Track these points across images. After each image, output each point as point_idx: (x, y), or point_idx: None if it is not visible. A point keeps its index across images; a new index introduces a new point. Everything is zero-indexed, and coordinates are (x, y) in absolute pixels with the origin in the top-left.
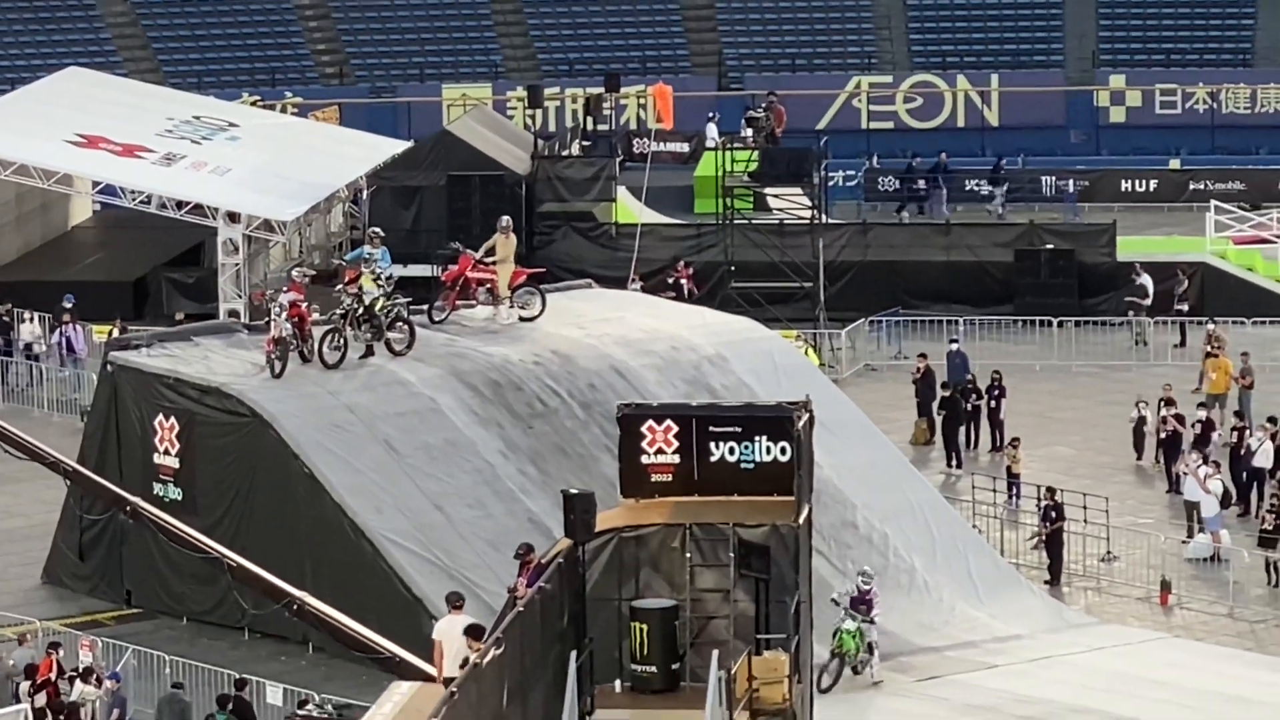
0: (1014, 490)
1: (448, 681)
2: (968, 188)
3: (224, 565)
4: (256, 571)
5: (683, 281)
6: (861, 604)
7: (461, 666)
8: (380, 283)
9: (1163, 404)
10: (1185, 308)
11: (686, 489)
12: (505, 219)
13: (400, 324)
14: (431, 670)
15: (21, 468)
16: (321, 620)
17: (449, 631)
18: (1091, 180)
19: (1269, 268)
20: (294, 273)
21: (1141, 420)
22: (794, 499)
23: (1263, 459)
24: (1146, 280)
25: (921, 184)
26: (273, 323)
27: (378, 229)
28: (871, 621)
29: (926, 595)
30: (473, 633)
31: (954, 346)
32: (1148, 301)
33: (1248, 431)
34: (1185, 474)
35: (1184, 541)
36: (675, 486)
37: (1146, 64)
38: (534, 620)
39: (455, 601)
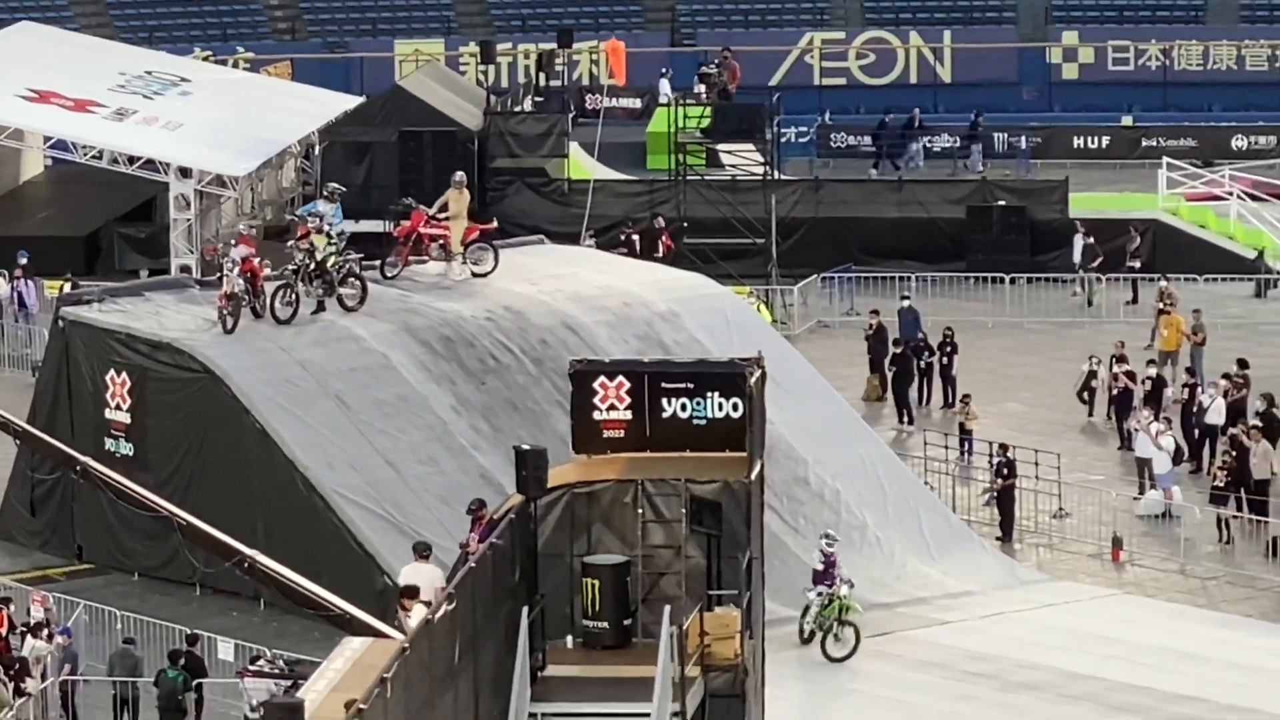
0: (965, 446)
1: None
2: (940, 146)
3: (173, 523)
4: (206, 529)
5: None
6: (828, 569)
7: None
8: (331, 238)
9: (1114, 361)
10: (1137, 264)
11: (638, 445)
12: (459, 174)
13: (352, 279)
14: (381, 626)
15: None
16: (271, 578)
17: (413, 580)
18: (1044, 137)
19: (1221, 224)
20: (242, 226)
21: (1091, 376)
22: (746, 455)
23: (1214, 416)
24: (1076, 240)
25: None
26: (225, 278)
27: (335, 184)
28: (850, 584)
29: (878, 551)
30: (409, 593)
31: (905, 303)
32: (1096, 261)
33: (1199, 388)
34: (1137, 430)
35: (1136, 498)
36: (627, 442)
37: (1099, 20)
38: (485, 576)
39: (422, 551)
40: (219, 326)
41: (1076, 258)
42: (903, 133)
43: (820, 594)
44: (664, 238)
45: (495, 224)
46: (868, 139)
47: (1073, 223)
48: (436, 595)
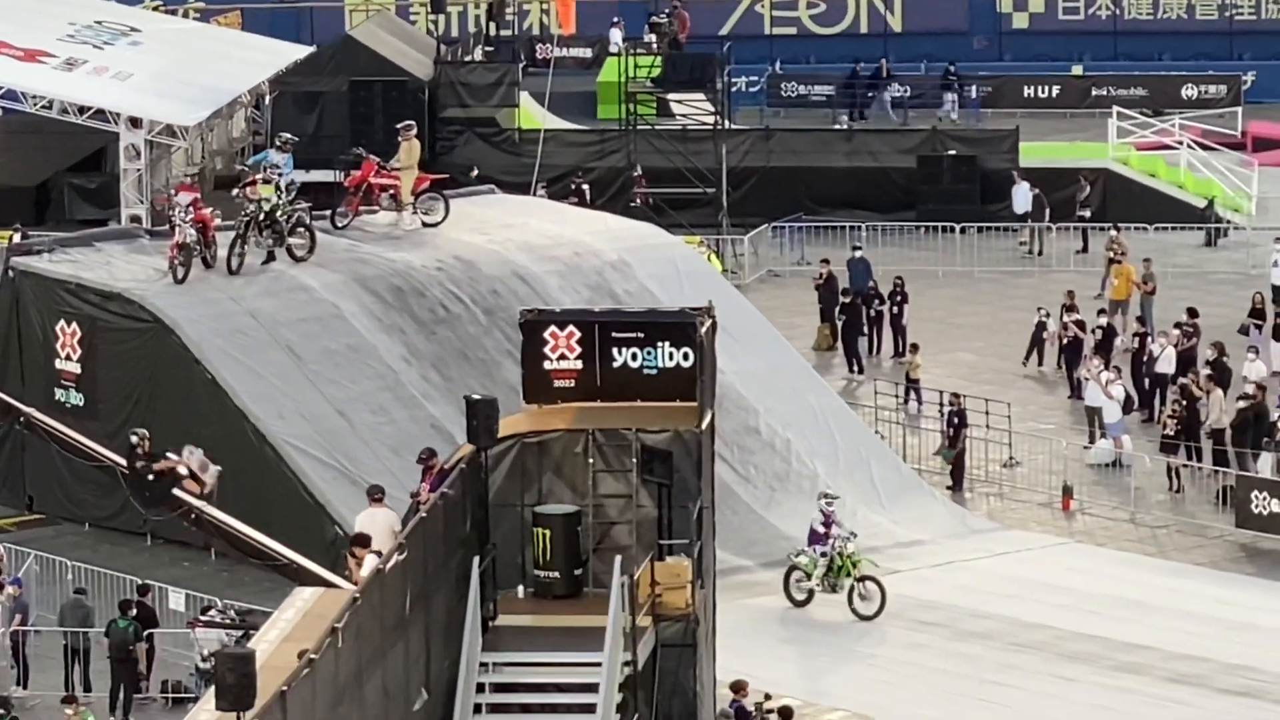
0: (911, 395)
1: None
2: (894, 96)
3: (119, 474)
4: (152, 481)
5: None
6: (827, 530)
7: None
8: (280, 188)
9: (1064, 310)
10: (1088, 214)
11: (589, 395)
12: (408, 122)
13: (301, 229)
14: (329, 576)
15: None
16: (218, 528)
17: (369, 525)
18: (994, 86)
19: (1171, 173)
20: (184, 174)
21: (1041, 326)
22: (697, 405)
23: (1165, 365)
24: (1020, 191)
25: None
26: (177, 228)
27: (287, 134)
28: (851, 536)
29: None
30: (360, 541)
31: (857, 254)
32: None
33: (1150, 337)
34: (1087, 379)
35: (1086, 447)
36: (578, 392)
37: None
38: (437, 526)
39: (375, 495)
40: (169, 277)
41: (1019, 208)
42: (871, 80)
43: (812, 554)
44: (640, 184)
45: (446, 174)
46: (819, 88)
47: (1012, 173)
48: (393, 539)
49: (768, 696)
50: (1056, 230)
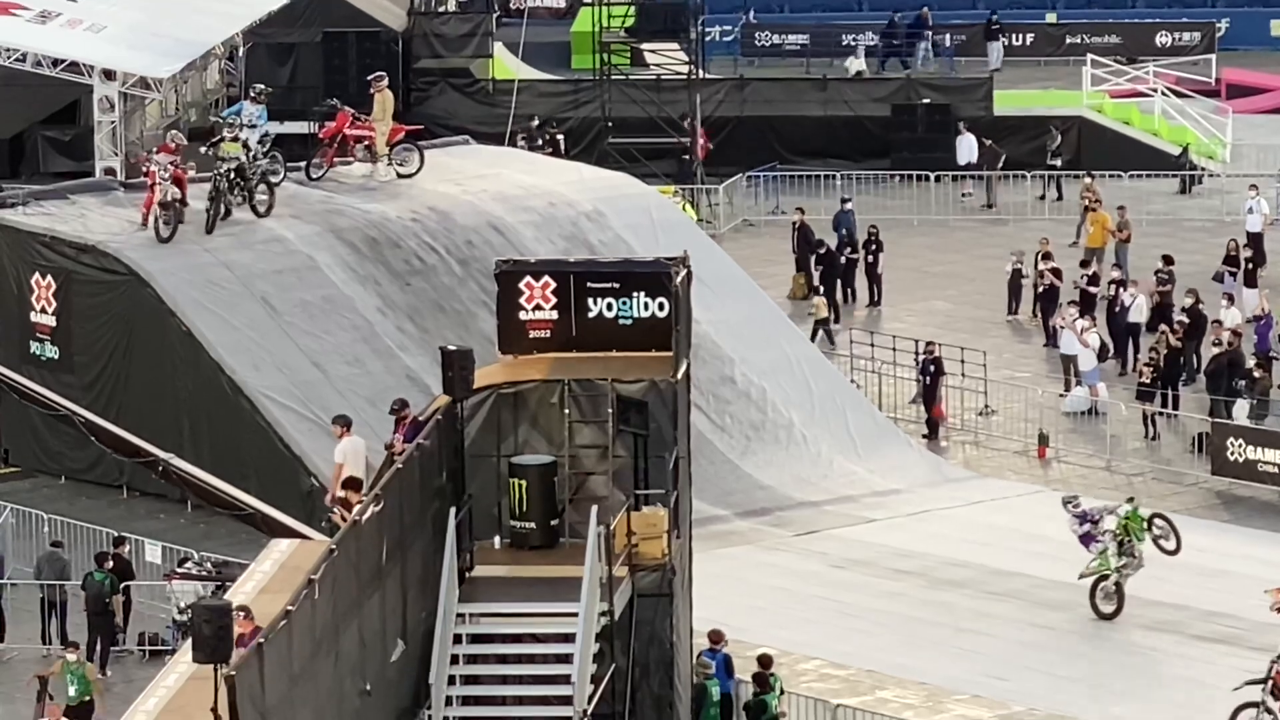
0: (820, 335)
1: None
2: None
3: (82, 427)
4: (120, 434)
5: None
6: (1091, 524)
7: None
8: (246, 146)
9: (1040, 258)
10: (1059, 162)
11: (564, 345)
12: (379, 74)
13: (263, 186)
14: (302, 529)
15: None
16: (187, 481)
17: (344, 451)
18: (968, 35)
19: (1145, 121)
20: (170, 135)
21: (1017, 274)
22: (672, 354)
23: (1136, 314)
24: (966, 141)
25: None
26: (157, 186)
27: (262, 85)
28: (1112, 510)
29: (804, 450)
30: (351, 485)
31: (846, 205)
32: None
33: (1125, 285)
34: (1062, 328)
35: (1061, 395)
36: (553, 343)
37: None
38: (413, 477)
39: (344, 423)
40: (151, 232)
41: (962, 159)
42: (910, 30)
43: (1100, 554)
44: (702, 139)
45: (420, 125)
46: (793, 37)
47: (958, 124)
48: (365, 459)
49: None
50: (1030, 178)
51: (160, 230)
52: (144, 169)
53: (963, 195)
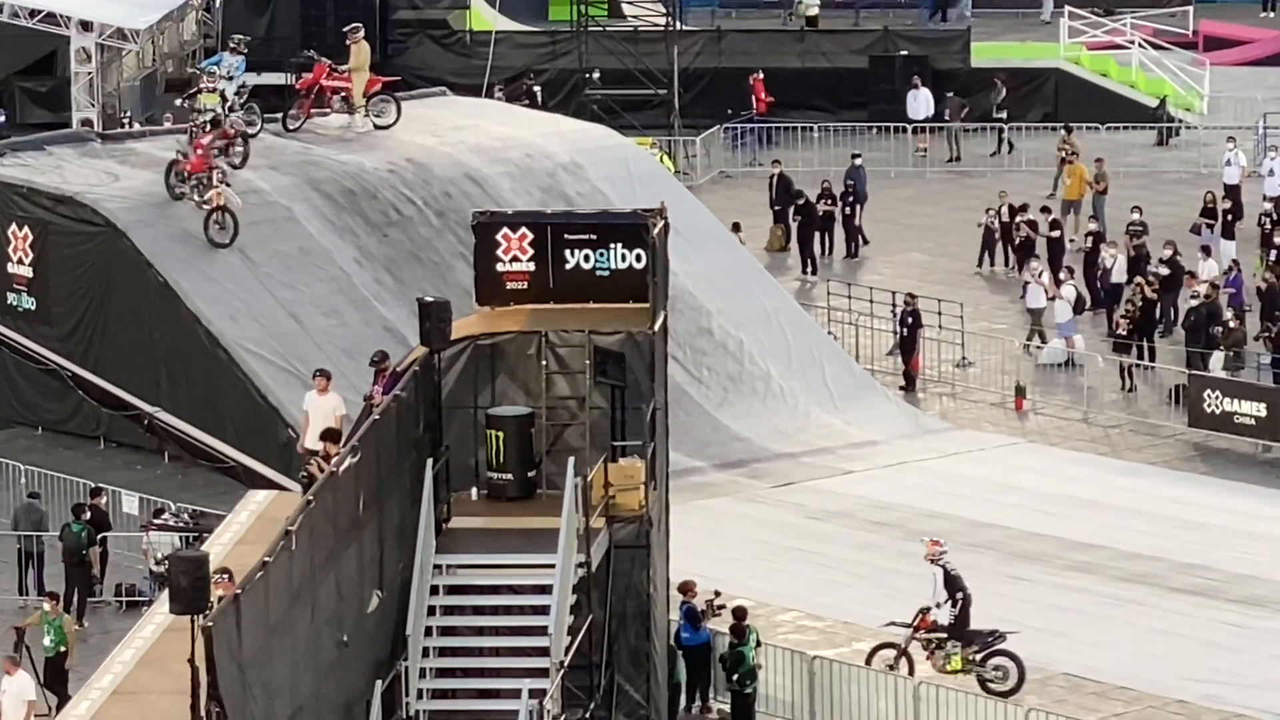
0: None
1: (310, 452)
2: None
3: (70, 381)
4: (107, 388)
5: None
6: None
7: (323, 437)
8: (223, 97)
9: (1018, 210)
10: (1004, 115)
11: (542, 296)
12: (354, 25)
13: (239, 138)
14: (281, 480)
15: None
16: (172, 434)
17: (313, 404)
18: None
19: (1122, 73)
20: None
21: (989, 228)
22: (649, 306)
23: (1118, 275)
24: (921, 95)
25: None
26: (216, 188)
27: (240, 35)
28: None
29: (782, 402)
30: (330, 437)
31: (856, 161)
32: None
33: (1103, 237)
34: (1030, 282)
35: (1026, 346)
36: (531, 294)
37: None
38: (390, 428)
39: (325, 375)
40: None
41: (916, 114)
42: None
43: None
44: (759, 91)
45: (398, 76)
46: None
47: (914, 78)
48: (338, 422)
49: (717, 594)
50: (989, 131)
51: (215, 236)
52: (192, 136)
53: (917, 150)
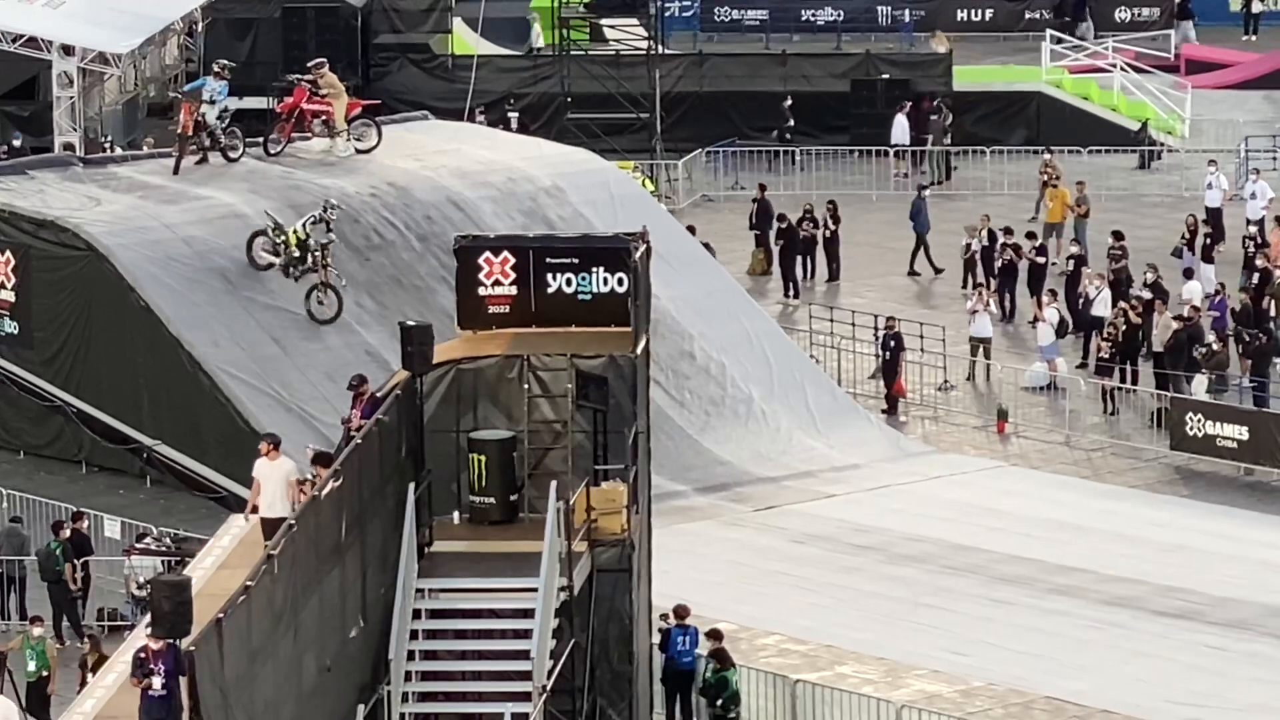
0: None
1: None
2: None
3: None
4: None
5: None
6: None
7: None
8: (206, 119)
9: (999, 233)
10: (947, 140)
11: (524, 320)
12: (317, 60)
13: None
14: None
15: None
16: (171, 468)
17: (262, 471)
18: (927, 10)
19: (1104, 97)
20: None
21: (973, 255)
22: (631, 330)
23: (1100, 307)
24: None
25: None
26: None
27: (225, 61)
28: None
29: (764, 425)
30: (321, 460)
31: (925, 193)
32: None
33: (1085, 261)
34: (975, 311)
35: (946, 385)
36: (513, 318)
37: None
38: (372, 452)
39: (273, 442)
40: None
41: (896, 138)
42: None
43: None
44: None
45: (379, 100)
46: (752, 12)
47: (900, 101)
48: (291, 489)
49: (664, 617)
50: (990, 153)
51: (315, 311)
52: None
53: (894, 174)
